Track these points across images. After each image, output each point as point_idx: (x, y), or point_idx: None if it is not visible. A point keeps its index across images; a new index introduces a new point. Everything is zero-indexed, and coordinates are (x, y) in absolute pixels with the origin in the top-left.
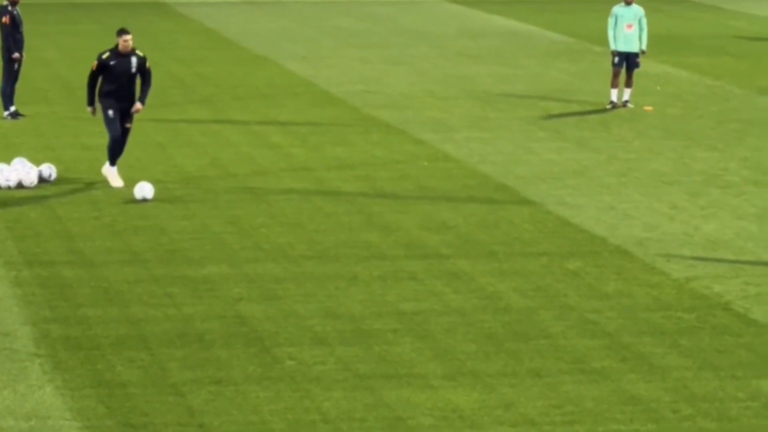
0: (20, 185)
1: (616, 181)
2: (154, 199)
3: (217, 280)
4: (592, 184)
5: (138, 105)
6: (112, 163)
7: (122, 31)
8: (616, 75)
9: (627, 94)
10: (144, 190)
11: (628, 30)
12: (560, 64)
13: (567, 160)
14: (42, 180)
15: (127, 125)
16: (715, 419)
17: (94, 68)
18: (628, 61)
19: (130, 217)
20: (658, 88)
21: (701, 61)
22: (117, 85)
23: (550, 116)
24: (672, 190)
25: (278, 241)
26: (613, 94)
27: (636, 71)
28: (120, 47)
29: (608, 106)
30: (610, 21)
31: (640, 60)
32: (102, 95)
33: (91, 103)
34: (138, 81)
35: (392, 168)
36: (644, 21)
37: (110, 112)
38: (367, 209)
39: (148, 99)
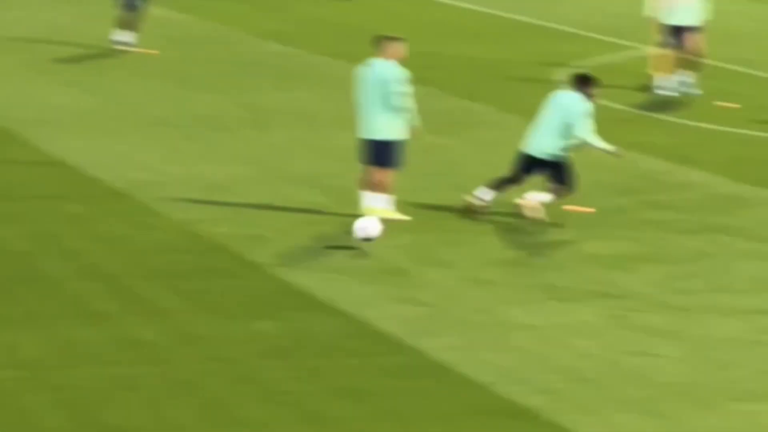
0: None
1: (115, 125)
2: None
3: None
4: (90, 127)
5: None
6: None
7: None
8: (124, 19)
9: (130, 36)
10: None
11: None
12: (62, 7)
13: (67, 104)
14: None
15: None
16: (217, 360)
17: None
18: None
19: None
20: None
21: (213, 5)
22: None
23: (51, 60)
24: (170, 132)
25: None
26: (120, 35)
27: (137, 14)
28: None
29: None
30: None
31: (142, 4)
32: None
33: None
34: None
35: None
36: None
37: None
38: None
39: None
